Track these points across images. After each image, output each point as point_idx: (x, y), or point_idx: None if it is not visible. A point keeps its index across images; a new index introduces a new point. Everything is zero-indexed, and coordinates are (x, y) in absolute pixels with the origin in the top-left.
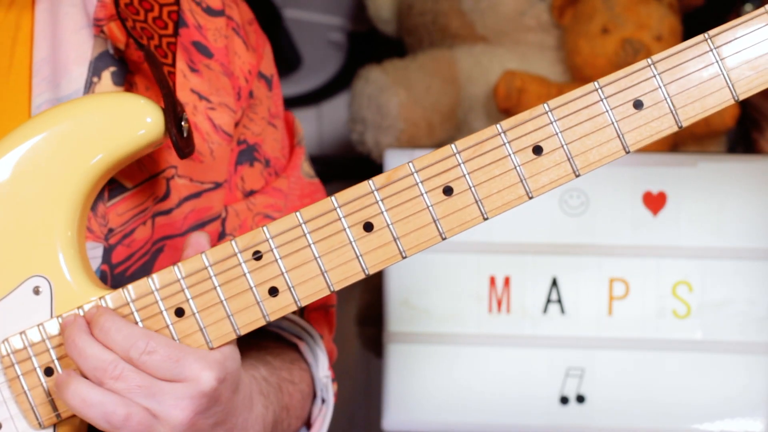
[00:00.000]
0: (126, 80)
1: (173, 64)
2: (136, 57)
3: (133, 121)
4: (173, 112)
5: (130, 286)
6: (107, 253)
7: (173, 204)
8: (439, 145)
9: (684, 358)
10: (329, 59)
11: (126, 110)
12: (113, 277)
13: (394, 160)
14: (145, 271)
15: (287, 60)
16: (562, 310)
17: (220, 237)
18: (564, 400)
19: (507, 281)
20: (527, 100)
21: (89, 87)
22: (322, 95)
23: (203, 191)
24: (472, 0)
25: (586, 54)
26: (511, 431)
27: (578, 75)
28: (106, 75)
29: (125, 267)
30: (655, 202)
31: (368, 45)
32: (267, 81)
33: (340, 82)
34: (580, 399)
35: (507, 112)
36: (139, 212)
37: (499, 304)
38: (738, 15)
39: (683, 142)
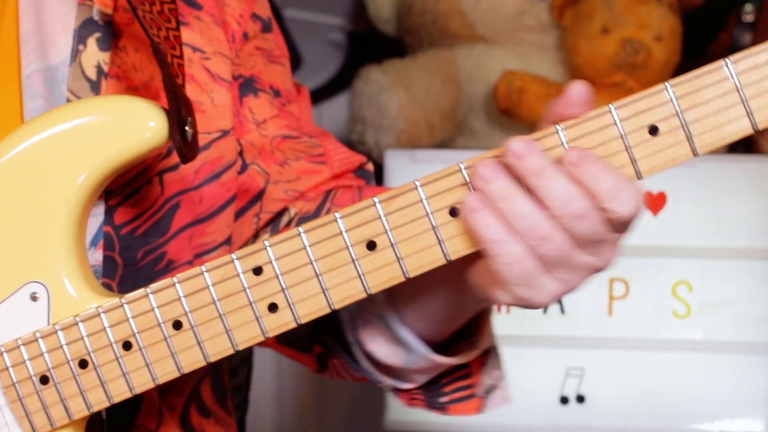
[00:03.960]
0: (112, 44)
1: (181, 55)
2: (124, 20)
3: (137, 124)
4: (177, 117)
5: (128, 296)
6: (109, 213)
7: (178, 159)
8: (439, 145)
9: (684, 358)
10: (329, 59)
11: (129, 114)
12: (120, 237)
13: (394, 160)
14: (160, 228)
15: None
16: (562, 310)
17: (243, 169)
18: (564, 400)
19: None
20: (527, 100)
21: (76, 55)
22: (322, 95)
23: (212, 141)
24: (472, 0)
25: (586, 54)
26: (511, 431)
27: (578, 75)
28: (92, 41)
29: (134, 226)
30: (655, 202)
31: (368, 45)
32: (263, 22)
33: (340, 82)
34: (580, 399)
35: (507, 112)
36: (140, 171)
37: (499, 304)
38: (738, 16)
39: None
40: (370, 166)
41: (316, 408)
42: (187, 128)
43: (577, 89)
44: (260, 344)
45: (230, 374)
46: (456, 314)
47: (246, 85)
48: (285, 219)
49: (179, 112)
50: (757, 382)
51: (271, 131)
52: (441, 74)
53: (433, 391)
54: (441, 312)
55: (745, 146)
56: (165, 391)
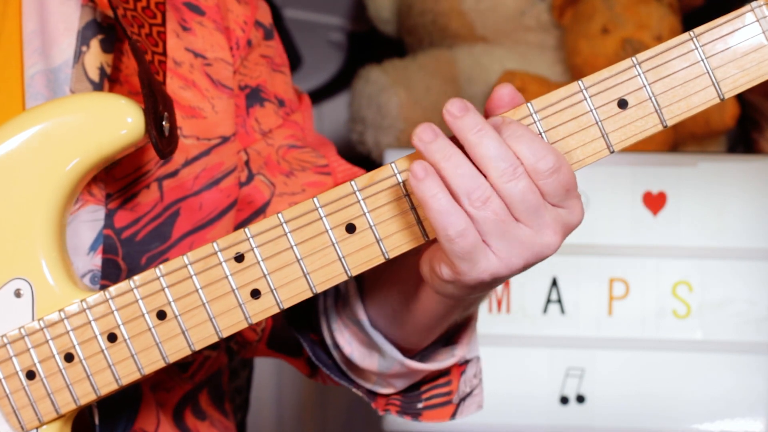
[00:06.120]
0: (116, 48)
1: (164, 53)
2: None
3: (114, 121)
4: (154, 113)
5: (111, 288)
6: (109, 217)
7: (178, 165)
8: None
9: (684, 358)
10: (329, 59)
11: (106, 110)
12: (122, 241)
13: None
14: (161, 235)
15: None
16: (562, 310)
17: (248, 179)
18: (564, 400)
19: (507, 281)
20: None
21: (79, 56)
22: (322, 95)
23: (212, 147)
24: (472, 0)
25: (586, 54)
26: (511, 431)
27: (578, 75)
28: (95, 43)
29: (133, 231)
30: (655, 202)
31: (368, 45)
32: (265, 29)
33: (340, 82)
34: (580, 399)
35: None
36: (139, 176)
37: (499, 304)
38: None
39: (683, 142)
40: None
41: (316, 409)
42: (164, 123)
43: (504, 90)
44: (257, 354)
45: (231, 376)
46: (420, 318)
47: (253, 96)
48: None
49: (156, 108)
50: (757, 382)
51: (277, 141)
52: (441, 74)
53: (411, 396)
54: (407, 316)
55: (745, 146)
56: (155, 386)
